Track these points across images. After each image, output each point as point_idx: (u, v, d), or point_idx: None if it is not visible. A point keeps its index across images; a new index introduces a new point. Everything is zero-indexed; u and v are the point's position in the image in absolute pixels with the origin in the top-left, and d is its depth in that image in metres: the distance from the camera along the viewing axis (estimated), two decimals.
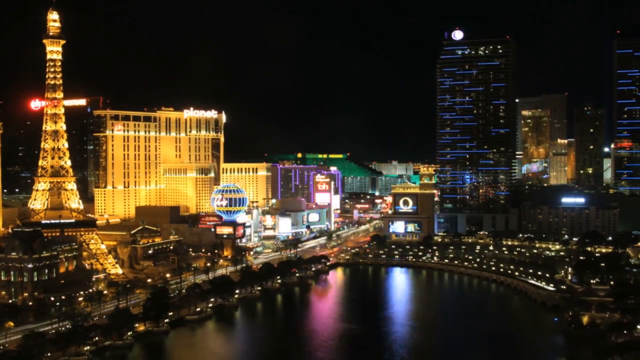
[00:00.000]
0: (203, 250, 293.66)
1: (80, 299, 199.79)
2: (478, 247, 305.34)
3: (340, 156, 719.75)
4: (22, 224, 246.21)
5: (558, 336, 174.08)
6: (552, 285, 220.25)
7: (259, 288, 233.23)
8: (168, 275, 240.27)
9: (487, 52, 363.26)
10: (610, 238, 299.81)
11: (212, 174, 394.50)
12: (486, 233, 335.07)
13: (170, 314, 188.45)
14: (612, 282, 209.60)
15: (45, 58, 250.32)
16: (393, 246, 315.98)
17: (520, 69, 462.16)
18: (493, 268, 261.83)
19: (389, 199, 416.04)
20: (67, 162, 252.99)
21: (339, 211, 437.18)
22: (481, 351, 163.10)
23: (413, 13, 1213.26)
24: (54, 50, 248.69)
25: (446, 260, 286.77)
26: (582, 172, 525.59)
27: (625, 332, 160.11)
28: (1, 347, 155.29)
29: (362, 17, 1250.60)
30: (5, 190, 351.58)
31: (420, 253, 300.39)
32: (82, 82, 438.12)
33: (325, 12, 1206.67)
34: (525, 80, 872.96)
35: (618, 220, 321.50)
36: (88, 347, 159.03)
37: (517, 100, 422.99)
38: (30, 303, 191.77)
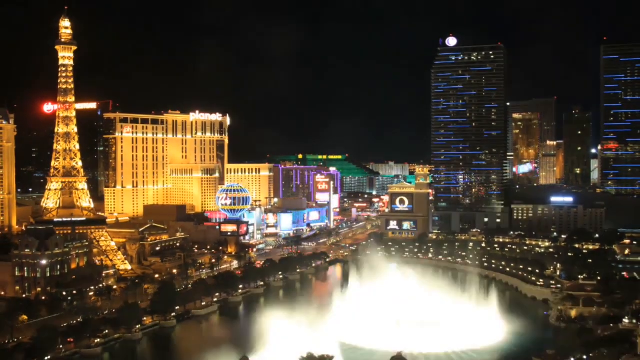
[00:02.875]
0: (208, 247, 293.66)
1: (91, 293, 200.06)
2: (471, 244, 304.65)
3: (339, 157, 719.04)
4: (35, 222, 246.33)
5: (547, 329, 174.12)
6: (542, 280, 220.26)
7: (262, 283, 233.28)
8: (175, 271, 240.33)
9: (479, 57, 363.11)
10: (597, 235, 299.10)
11: (217, 174, 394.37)
12: (479, 231, 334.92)
13: (177, 308, 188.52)
14: (599, 278, 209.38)
15: (57, 63, 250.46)
16: (390, 243, 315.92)
17: (511, 74, 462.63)
18: (485, 264, 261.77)
19: (386, 198, 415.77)
20: (79, 163, 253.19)
21: (338, 210, 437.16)
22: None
23: (410, 19, 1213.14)
24: (65, 56, 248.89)
25: (441, 257, 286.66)
26: (570, 172, 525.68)
27: (611, 325, 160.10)
28: (16, 340, 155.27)
29: (361, 23, 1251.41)
30: (19, 190, 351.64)
31: (415, 250, 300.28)
32: (93, 86, 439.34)
33: (325, 17, 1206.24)
34: (516, 84, 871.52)
35: (605, 218, 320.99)
36: (98, 340, 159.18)
37: (508, 104, 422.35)
38: (43, 297, 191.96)
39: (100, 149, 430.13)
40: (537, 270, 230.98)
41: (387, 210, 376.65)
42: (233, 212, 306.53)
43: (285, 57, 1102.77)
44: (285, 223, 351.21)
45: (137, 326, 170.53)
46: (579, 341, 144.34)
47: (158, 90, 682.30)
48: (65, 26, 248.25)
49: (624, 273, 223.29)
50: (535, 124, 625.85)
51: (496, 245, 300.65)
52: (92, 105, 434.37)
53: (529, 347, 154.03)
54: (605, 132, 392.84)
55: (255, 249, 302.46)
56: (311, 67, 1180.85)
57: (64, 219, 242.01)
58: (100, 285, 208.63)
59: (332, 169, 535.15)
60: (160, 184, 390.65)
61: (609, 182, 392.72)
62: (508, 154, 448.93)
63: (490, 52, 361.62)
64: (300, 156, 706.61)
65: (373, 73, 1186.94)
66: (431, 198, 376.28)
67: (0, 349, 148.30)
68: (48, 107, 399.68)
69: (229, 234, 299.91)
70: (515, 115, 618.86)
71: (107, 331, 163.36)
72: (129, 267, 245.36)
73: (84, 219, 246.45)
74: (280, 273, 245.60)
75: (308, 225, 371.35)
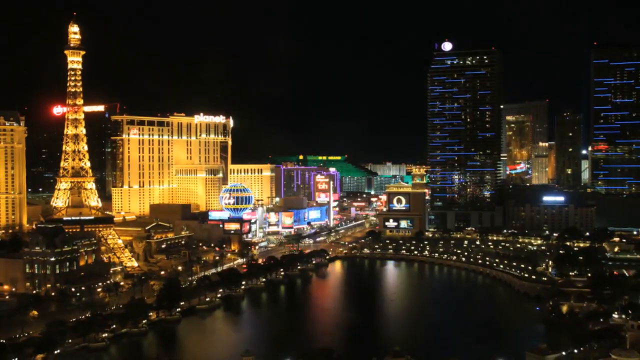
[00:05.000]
0: (212, 244, 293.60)
1: (99, 289, 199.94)
2: (466, 242, 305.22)
3: (339, 158, 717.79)
4: (45, 221, 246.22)
5: (539, 324, 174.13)
6: (534, 277, 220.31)
7: (264, 279, 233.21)
8: (180, 268, 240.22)
9: (474, 62, 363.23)
10: (587, 233, 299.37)
11: (221, 175, 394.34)
12: (473, 229, 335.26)
13: (182, 303, 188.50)
14: (589, 274, 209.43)
15: (66, 67, 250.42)
16: (387, 241, 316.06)
17: (505, 77, 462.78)
18: (480, 261, 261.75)
19: (384, 198, 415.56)
20: (87, 164, 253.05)
21: (337, 209, 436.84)
22: (468, 337, 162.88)
23: (407, 24, 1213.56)
24: (74, 61, 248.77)
25: (436, 254, 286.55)
26: (561, 172, 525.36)
27: (601, 320, 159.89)
28: (26, 334, 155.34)
29: (360, 27, 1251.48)
30: (29, 190, 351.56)
31: (412, 247, 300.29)
32: (101, 89, 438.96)
33: (325, 21, 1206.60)
34: (509, 87, 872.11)
35: (595, 217, 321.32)
36: (106, 334, 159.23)
37: (501, 107, 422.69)
38: (53, 293, 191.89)
39: (108, 150, 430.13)
40: (530, 267, 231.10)
41: (384, 209, 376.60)
42: (236, 211, 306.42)
43: (286, 61, 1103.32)
44: (286, 221, 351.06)
45: (144, 321, 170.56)
46: (570, 336, 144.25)
47: (163, 93, 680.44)
48: (74, 31, 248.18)
49: (614, 270, 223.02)
50: (527, 125, 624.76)
51: (490, 243, 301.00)
52: (100, 108, 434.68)
53: (522, 341, 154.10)
54: (595, 133, 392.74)
55: (257, 247, 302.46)
56: (312, 71, 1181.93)
57: (73, 218, 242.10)
58: (108, 282, 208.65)
59: (332, 170, 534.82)
60: (165, 184, 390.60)
61: (599, 182, 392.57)
62: (501, 154, 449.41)
63: (485, 57, 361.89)
64: (301, 157, 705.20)
65: (371, 77, 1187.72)
66: (427, 197, 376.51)
67: (11, 343, 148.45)
68: (57, 110, 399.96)
69: (232, 232, 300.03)
70: (509, 118, 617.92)
71: (114, 326, 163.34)
72: (135, 264, 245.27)
73: (92, 217, 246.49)
74: (281, 270, 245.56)
75: (308, 223, 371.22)
